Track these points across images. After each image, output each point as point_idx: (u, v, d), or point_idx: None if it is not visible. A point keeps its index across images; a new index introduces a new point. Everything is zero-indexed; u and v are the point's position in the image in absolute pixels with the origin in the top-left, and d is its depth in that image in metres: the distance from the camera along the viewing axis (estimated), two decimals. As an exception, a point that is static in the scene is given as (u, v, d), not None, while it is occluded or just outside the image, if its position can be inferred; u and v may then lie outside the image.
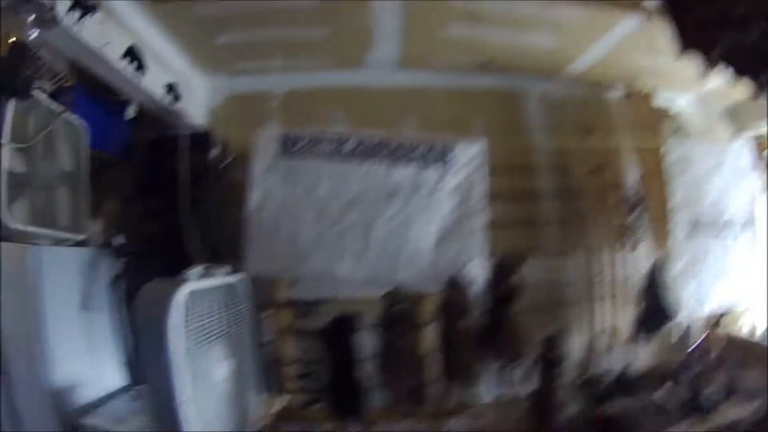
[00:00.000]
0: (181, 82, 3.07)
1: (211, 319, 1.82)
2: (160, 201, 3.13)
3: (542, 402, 2.44)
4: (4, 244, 1.74)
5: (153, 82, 2.82)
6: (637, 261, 3.22)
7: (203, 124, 3.27)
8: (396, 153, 2.59)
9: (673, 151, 3.20)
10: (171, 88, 3.08)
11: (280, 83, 3.23)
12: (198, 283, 1.78)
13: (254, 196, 2.63)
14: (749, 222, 3.33)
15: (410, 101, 3.05)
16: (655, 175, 3.22)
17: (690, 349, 3.01)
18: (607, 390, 2.74)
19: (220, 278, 1.96)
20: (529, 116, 3.18)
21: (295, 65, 3.17)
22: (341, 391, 2.47)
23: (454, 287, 2.51)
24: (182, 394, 1.53)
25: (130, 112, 2.99)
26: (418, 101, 3.07)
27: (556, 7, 2.36)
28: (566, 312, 3.33)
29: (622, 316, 3.16)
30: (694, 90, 3.44)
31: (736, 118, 3.59)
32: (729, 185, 3.24)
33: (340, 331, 2.48)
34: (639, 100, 3.38)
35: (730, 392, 2.55)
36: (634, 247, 3.22)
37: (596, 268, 3.16)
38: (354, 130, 2.65)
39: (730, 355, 2.87)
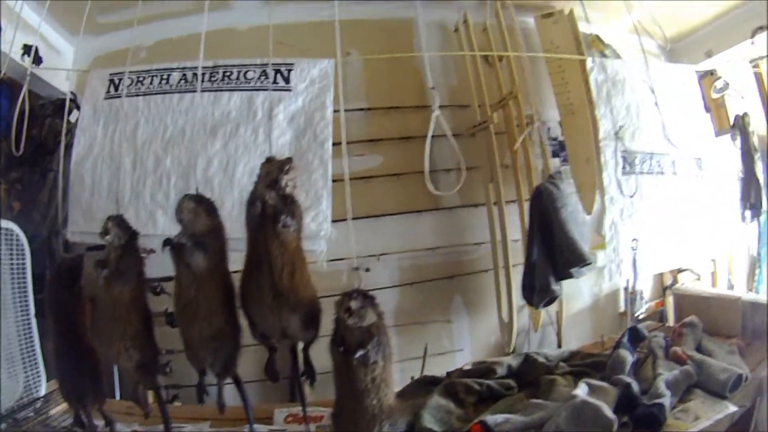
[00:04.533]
0: (49, 46, 2.87)
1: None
2: (23, 173, 2.98)
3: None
4: None
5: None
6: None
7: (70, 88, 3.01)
8: (225, 80, 2.16)
9: (600, 73, 2.64)
10: (28, 49, 2.86)
11: (146, 35, 2.93)
12: None
13: (77, 149, 2.24)
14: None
15: (283, 37, 2.63)
16: (580, 104, 2.67)
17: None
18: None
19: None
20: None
21: (161, 14, 2.90)
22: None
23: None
24: None
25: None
26: (290, 37, 2.67)
27: None
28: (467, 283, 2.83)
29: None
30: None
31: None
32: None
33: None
34: (558, 20, 2.86)
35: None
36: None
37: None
38: (182, 61, 2.21)
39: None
